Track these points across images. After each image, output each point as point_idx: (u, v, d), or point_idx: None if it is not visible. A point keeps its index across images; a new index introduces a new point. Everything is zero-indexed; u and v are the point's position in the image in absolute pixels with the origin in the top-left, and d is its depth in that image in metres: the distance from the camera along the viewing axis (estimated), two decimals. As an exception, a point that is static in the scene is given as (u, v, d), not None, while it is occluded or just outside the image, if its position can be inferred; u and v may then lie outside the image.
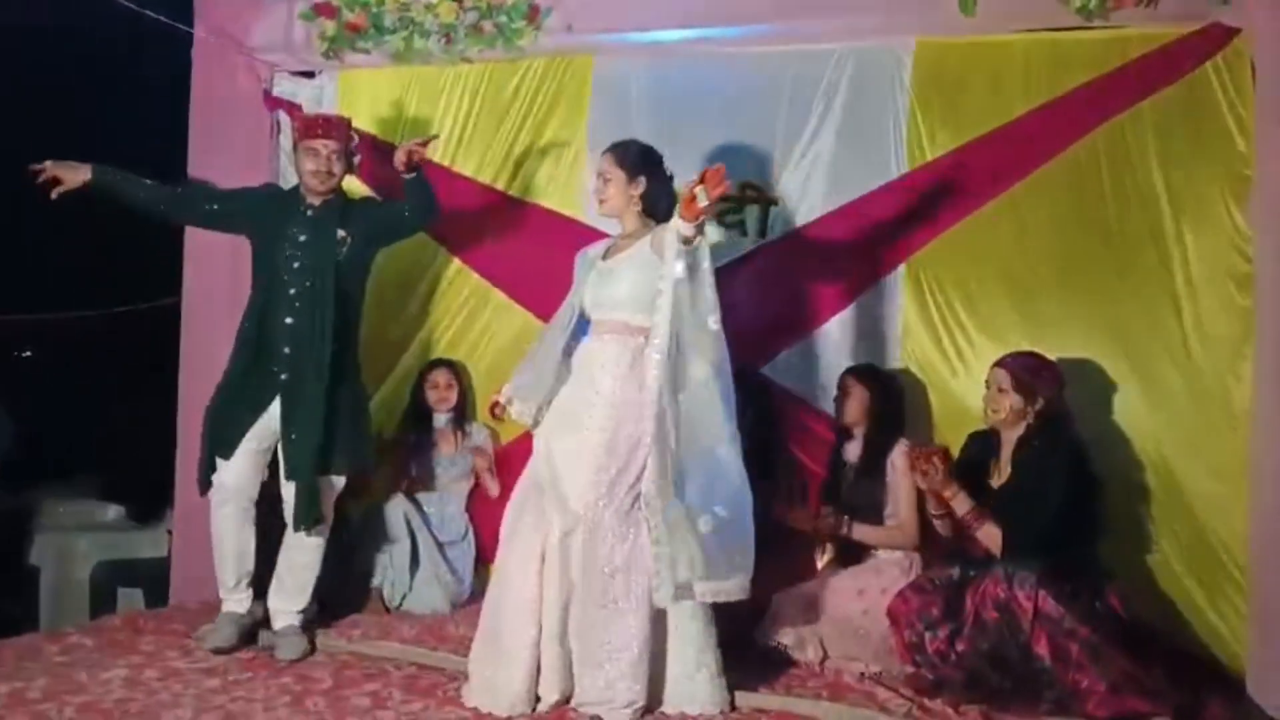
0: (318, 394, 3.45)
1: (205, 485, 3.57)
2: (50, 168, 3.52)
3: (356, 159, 3.72)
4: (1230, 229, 3.48)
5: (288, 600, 3.52)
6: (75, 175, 3.53)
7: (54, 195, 3.52)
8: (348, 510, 3.96)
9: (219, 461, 3.52)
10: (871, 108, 3.89)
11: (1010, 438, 3.30)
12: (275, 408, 3.48)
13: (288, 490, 3.49)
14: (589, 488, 2.97)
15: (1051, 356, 3.35)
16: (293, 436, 3.46)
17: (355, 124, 4.20)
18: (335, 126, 3.65)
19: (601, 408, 3.03)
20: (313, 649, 3.46)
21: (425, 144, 3.68)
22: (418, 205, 3.68)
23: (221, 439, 3.53)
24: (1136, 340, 3.58)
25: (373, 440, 3.78)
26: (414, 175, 3.63)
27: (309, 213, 3.58)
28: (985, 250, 3.74)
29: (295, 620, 3.50)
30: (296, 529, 3.47)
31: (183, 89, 4.37)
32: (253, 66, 4.34)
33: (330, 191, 3.61)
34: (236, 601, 3.57)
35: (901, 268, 3.84)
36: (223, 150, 4.27)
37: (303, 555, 3.52)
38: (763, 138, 3.99)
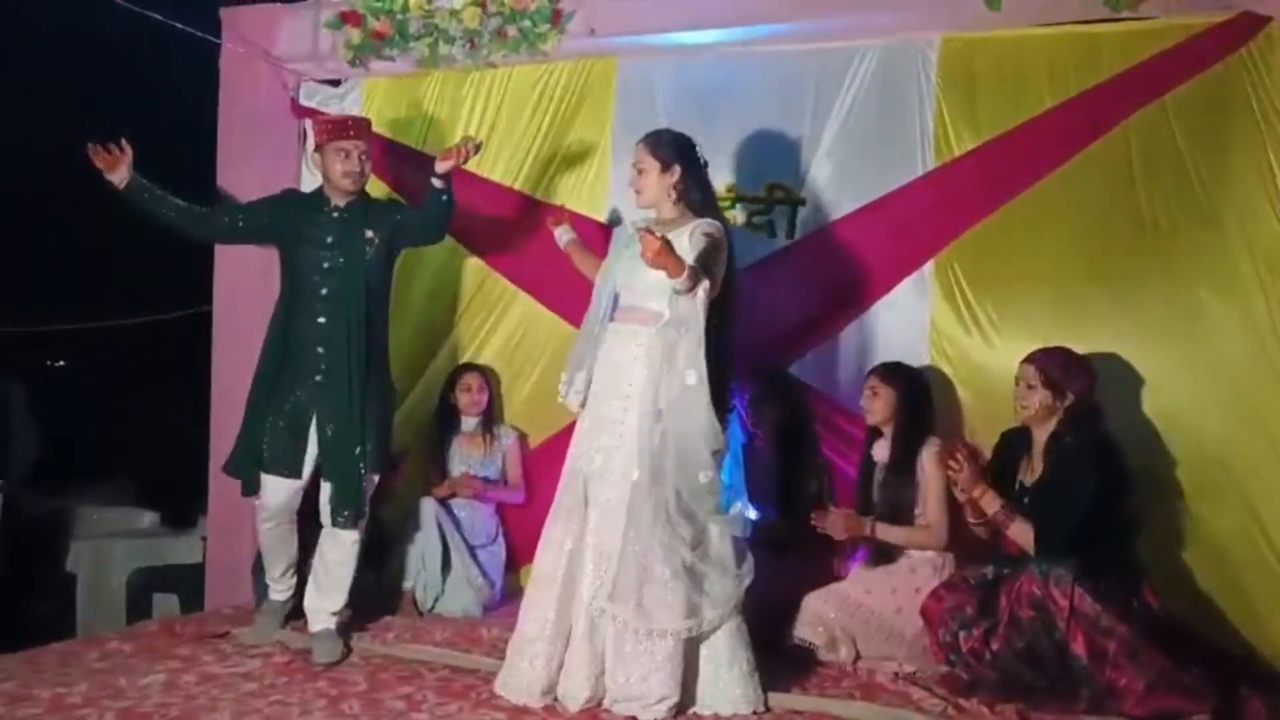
0: (353, 391, 3.48)
1: (234, 470, 3.60)
2: (101, 156, 3.50)
3: None
4: (1265, 217, 3.43)
5: (324, 599, 3.54)
6: (116, 172, 3.52)
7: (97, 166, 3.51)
8: (379, 513, 3.99)
9: (262, 476, 3.55)
10: (897, 105, 3.87)
11: (1041, 434, 3.27)
12: (314, 422, 3.51)
13: (324, 487, 3.52)
14: (622, 482, 2.97)
15: (1084, 351, 3.32)
16: (329, 433, 3.49)
17: (381, 130, 4.26)
18: (363, 127, 3.69)
19: (636, 402, 3.01)
20: (348, 652, 3.49)
21: (476, 149, 3.63)
22: (434, 219, 3.69)
23: (259, 451, 3.54)
24: (1170, 334, 3.54)
25: (392, 439, 3.79)
26: (443, 187, 3.61)
27: (335, 214, 3.60)
28: (1014, 245, 3.72)
29: (331, 624, 3.52)
30: (334, 524, 3.50)
31: (210, 98, 4.42)
32: (279, 75, 4.38)
33: (357, 191, 3.64)
34: (281, 590, 3.68)
35: (930, 264, 3.82)
36: (251, 159, 4.32)
37: (339, 553, 3.54)
38: (788, 137, 3.98)
